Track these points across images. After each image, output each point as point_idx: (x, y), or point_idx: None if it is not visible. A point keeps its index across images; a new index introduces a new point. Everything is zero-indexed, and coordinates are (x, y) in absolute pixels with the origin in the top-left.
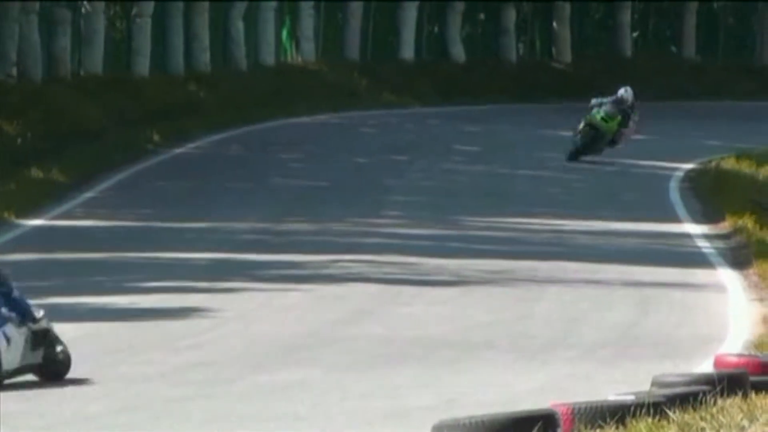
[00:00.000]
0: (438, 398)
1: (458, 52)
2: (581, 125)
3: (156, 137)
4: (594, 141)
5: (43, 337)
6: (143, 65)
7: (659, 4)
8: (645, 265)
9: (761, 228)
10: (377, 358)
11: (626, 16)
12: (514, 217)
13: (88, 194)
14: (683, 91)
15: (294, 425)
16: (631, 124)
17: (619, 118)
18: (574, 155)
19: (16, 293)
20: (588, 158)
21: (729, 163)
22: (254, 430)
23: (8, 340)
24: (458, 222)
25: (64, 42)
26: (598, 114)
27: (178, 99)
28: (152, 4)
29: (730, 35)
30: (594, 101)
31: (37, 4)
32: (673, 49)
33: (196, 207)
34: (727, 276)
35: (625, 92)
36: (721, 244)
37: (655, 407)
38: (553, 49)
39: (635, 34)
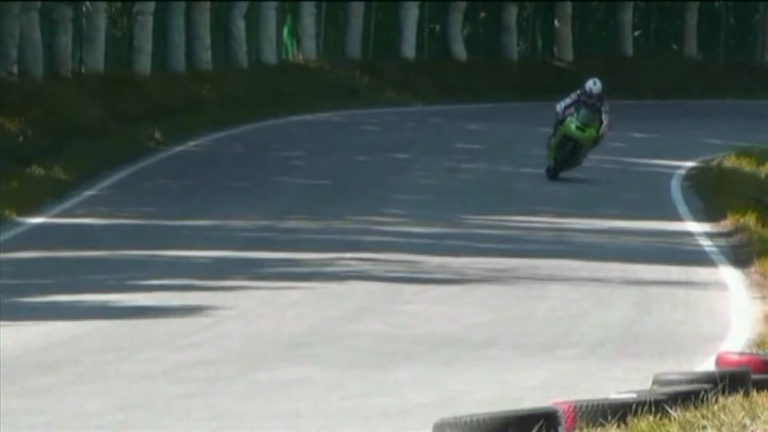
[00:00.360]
0: (439, 396)
1: (460, 50)
2: (556, 139)
3: (157, 135)
4: (573, 154)
5: None
6: (145, 63)
7: (661, 3)
8: (647, 263)
9: (763, 226)
10: (378, 355)
11: (628, 15)
12: (516, 215)
13: (90, 192)
14: (684, 90)
15: (294, 423)
16: (604, 118)
17: (596, 122)
18: (555, 173)
19: None
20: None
21: (730, 162)
22: (255, 427)
23: None
24: (460, 220)
25: (66, 40)
26: (572, 124)
27: (180, 97)
28: (153, 2)
29: (731, 33)
30: (559, 107)
31: (38, 2)
32: (675, 47)
33: (197, 205)
34: (728, 274)
35: (593, 85)
36: (722, 242)
37: (657, 405)
38: (555, 48)
39: (637, 33)
